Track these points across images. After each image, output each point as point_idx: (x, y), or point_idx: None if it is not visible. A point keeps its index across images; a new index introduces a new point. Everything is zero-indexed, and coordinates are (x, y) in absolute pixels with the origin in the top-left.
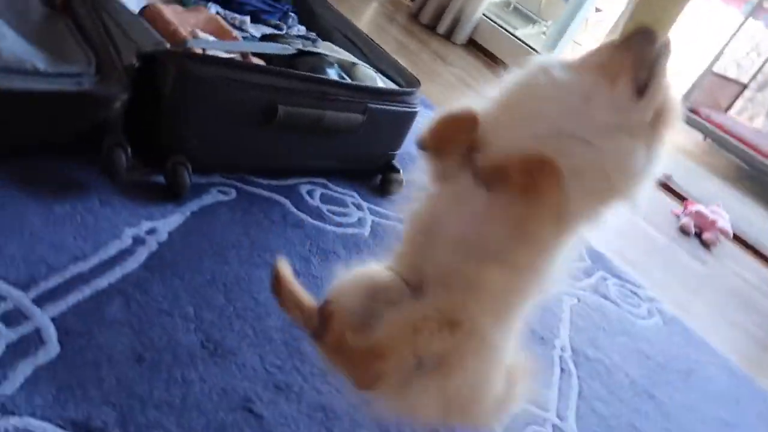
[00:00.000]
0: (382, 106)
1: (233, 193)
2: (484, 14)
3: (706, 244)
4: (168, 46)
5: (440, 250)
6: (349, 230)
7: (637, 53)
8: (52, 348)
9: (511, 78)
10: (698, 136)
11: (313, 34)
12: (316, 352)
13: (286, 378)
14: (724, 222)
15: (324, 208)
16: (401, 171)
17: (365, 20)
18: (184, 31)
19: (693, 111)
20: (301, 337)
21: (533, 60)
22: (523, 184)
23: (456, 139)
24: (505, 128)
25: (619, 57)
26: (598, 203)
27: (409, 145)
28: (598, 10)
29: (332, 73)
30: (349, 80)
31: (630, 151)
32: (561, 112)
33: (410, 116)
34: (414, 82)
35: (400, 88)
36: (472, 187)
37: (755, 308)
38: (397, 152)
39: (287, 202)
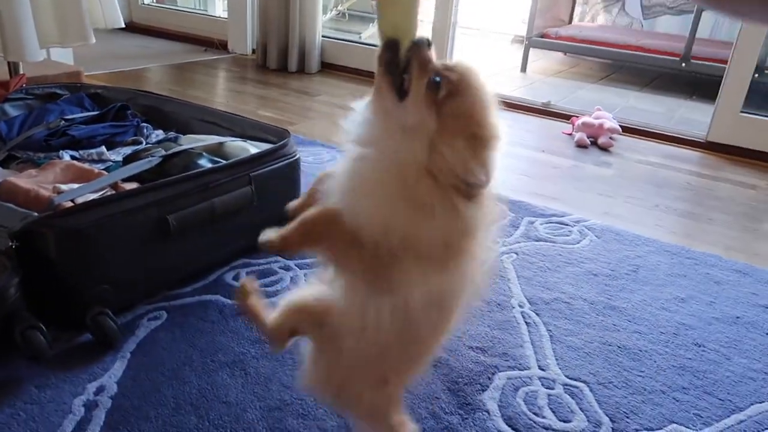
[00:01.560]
0: (264, 170)
1: (164, 315)
2: (323, 36)
3: (604, 148)
4: (35, 214)
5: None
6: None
7: (384, 64)
8: None
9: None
10: (558, 55)
11: (172, 132)
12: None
13: None
14: (610, 122)
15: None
16: None
17: (219, 91)
18: (46, 192)
19: (543, 35)
20: (283, 416)
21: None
22: (301, 244)
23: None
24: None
25: (378, 72)
26: (414, 209)
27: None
28: None
29: (204, 163)
30: (222, 161)
31: (406, 146)
32: (359, 141)
33: (294, 164)
34: (282, 134)
35: (274, 146)
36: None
37: (668, 184)
38: None
39: (219, 297)
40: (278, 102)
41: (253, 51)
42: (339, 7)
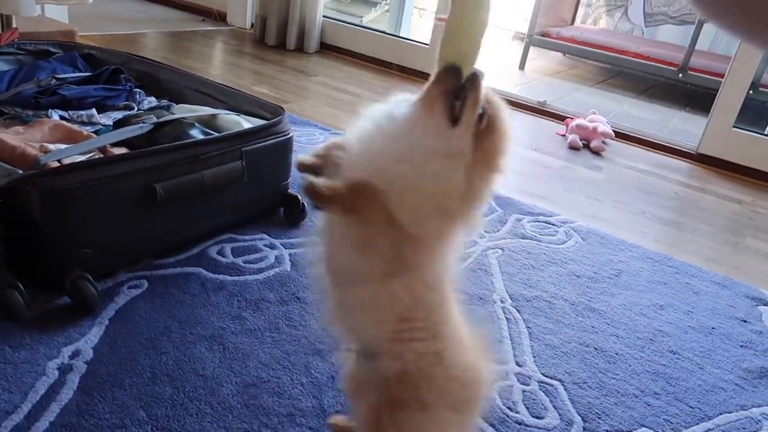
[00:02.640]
0: (256, 145)
1: (145, 284)
2: (324, 16)
3: (596, 152)
4: (20, 171)
5: (327, 283)
6: (271, 272)
7: (445, 86)
8: None
9: (367, 114)
10: (557, 55)
11: (165, 101)
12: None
13: None
14: (604, 126)
15: (239, 261)
16: (300, 197)
17: (215, 63)
18: (32, 150)
19: (544, 34)
20: (258, 393)
21: (391, 98)
22: (344, 205)
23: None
24: (354, 159)
25: (432, 90)
26: (440, 217)
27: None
28: None
29: (196, 133)
30: (214, 134)
31: (447, 171)
32: (395, 140)
33: (287, 143)
34: (277, 110)
35: (268, 122)
36: (331, 220)
37: (655, 192)
38: (290, 180)
39: (201, 270)
40: (274, 79)
41: (252, 25)
42: None
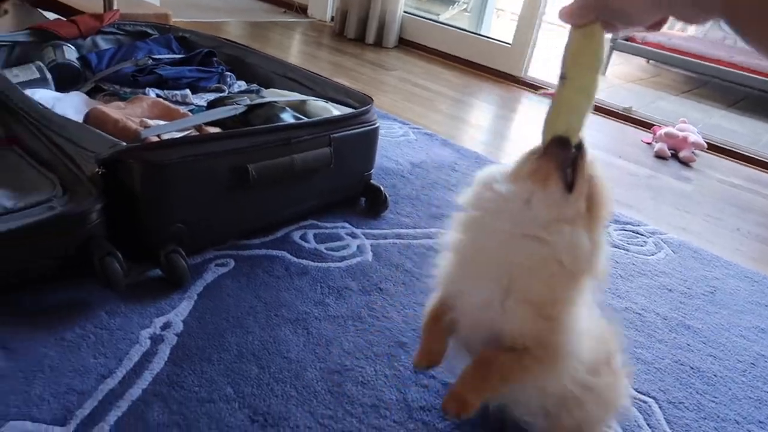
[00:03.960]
0: (344, 133)
1: (231, 263)
2: (405, 11)
3: (685, 162)
4: (124, 144)
5: None
6: (353, 261)
7: (557, 158)
8: None
9: (464, 204)
10: (641, 61)
11: (255, 85)
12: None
13: (342, 426)
14: (695, 136)
15: (322, 247)
16: (382, 187)
17: (294, 53)
18: (133, 124)
19: (629, 39)
20: (342, 381)
21: (477, 178)
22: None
23: (441, 346)
24: (464, 272)
25: (545, 164)
26: (568, 284)
27: (381, 159)
28: None
29: (287, 117)
30: (305, 118)
31: (574, 236)
32: (509, 218)
33: (373, 133)
34: (366, 100)
35: (357, 110)
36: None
37: (750, 208)
38: (372, 170)
39: (285, 254)
40: (352, 71)
41: (332, 18)
42: None
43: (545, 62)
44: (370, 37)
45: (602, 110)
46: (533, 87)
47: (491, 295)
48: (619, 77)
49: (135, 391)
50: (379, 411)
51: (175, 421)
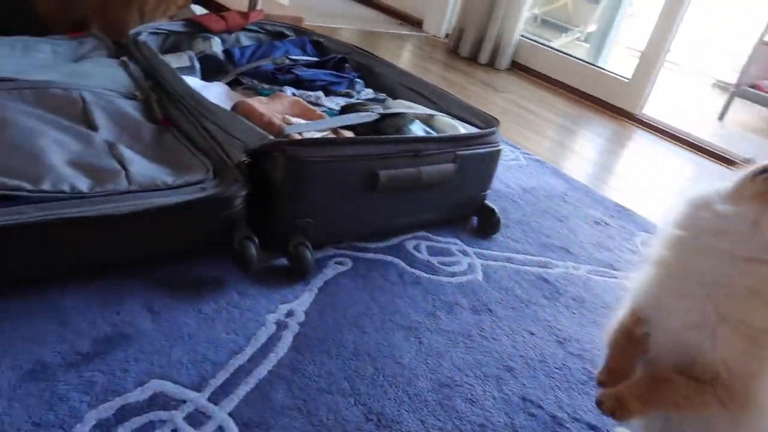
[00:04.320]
0: (470, 151)
1: (349, 263)
2: (521, 35)
3: None
4: (272, 137)
5: None
6: (464, 278)
7: None
8: None
9: (667, 226)
10: (761, 110)
11: (382, 94)
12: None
13: None
14: None
15: (434, 260)
16: (496, 210)
17: (405, 64)
18: (276, 120)
19: (755, 86)
20: (451, 395)
21: (686, 198)
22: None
23: (629, 365)
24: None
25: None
26: None
27: (496, 182)
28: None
29: (416, 129)
30: (433, 132)
31: None
32: (732, 240)
33: (496, 155)
34: (492, 122)
35: (484, 130)
36: None
37: None
38: (489, 191)
39: (399, 262)
40: (463, 89)
41: (447, 35)
42: (534, 10)
43: (663, 101)
44: (484, 57)
45: (719, 157)
46: (648, 126)
47: (701, 317)
48: (738, 125)
49: (261, 371)
50: (486, 431)
51: (297, 405)
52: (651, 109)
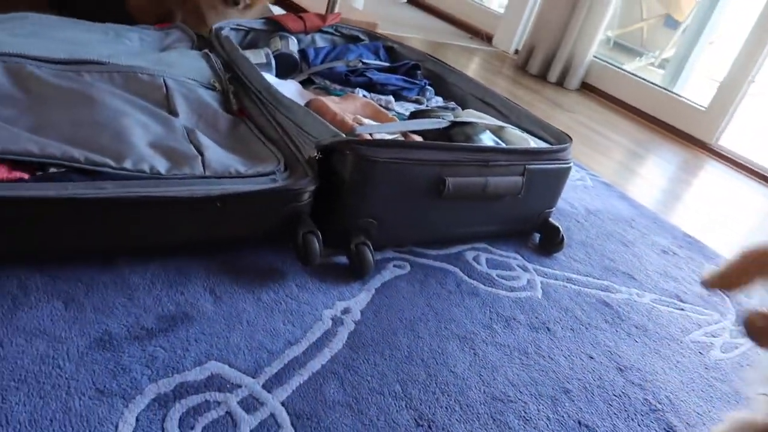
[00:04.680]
0: (539, 166)
1: (407, 267)
2: (594, 56)
3: None
4: (344, 135)
5: None
6: (522, 294)
7: None
8: None
9: None
10: None
11: (452, 103)
12: None
13: None
14: None
15: (493, 273)
16: (560, 228)
17: (472, 76)
18: (348, 119)
19: None
20: (504, 410)
21: None
22: None
23: (746, 278)
24: None
25: None
26: None
27: (560, 201)
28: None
29: (486, 139)
30: (503, 144)
31: None
32: None
33: (565, 172)
34: (564, 138)
35: (556, 146)
36: None
37: None
38: (554, 209)
39: (457, 271)
40: (530, 106)
41: (516, 51)
42: (608, 33)
43: (742, 132)
44: (553, 75)
45: None
46: (723, 157)
47: None
48: None
49: (315, 365)
50: None
51: (348, 403)
52: (728, 140)
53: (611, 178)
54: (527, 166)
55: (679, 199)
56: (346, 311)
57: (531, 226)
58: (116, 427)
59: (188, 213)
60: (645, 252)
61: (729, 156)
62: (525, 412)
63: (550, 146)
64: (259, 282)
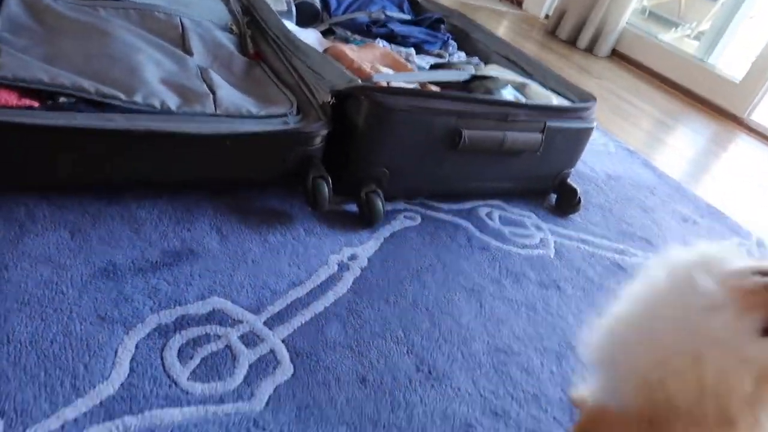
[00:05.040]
0: (560, 124)
1: (419, 219)
2: (627, 23)
3: None
4: (359, 81)
5: None
6: (534, 252)
7: None
8: (287, 368)
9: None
10: None
11: (475, 58)
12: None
13: (502, 404)
14: None
15: (506, 230)
16: (578, 189)
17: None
18: (366, 67)
19: None
20: (507, 362)
21: (692, 259)
22: None
23: None
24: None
25: (762, 298)
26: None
27: (580, 164)
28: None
29: (507, 94)
30: (524, 99)
31: (735, 375)
32: (685, 316)
33: (587, 132)
34: (588, 97)
35: (579, 104)
36: None
37: None
38: (572, 170)
39: (469, 226)
40: (557, 71)
41: (547, 16)
42: (644, 2)
43: None
44: (583, 42)
45: None
46: (755, 131)
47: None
48: None
49: (318, 306)
50: (539, 403)
51: (349, 344)
52: (761, 115)
53: (636, 146)
54: (548, 123)
55: (706, 171)
56: (352, 257)
57: (548, 186)
58: (116, 352)
59: (196, 150)
60: (665, 219)
61: (760, 131)
62: (528, 365)
63: (574, 104)
64: (266, 224)
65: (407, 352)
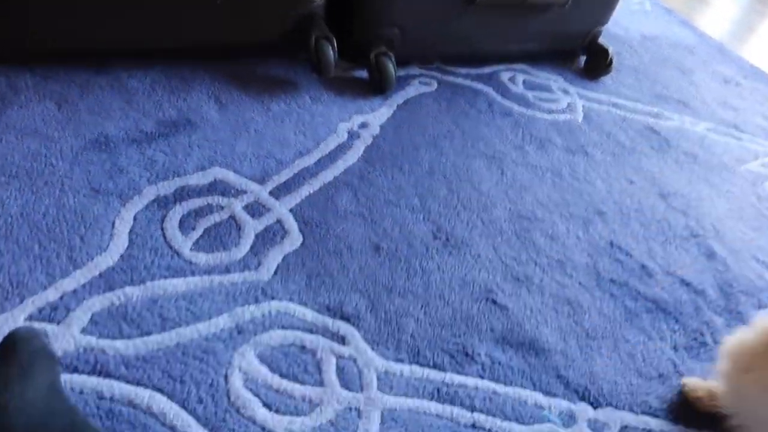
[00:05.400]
0: None
1: (435, 84)
2: None
3: None
4: None
5: None
6: (561, 117)
7: None
8: (295, 237)
9: None
10: None
11: None
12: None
13: (525, 270)
14: None
15: (529, 94)
16: (609, 49)
17: None
18: None
19: None
20: (530, 228)
21: None
22: None
23: None
24: None
25: None
26: None
27: (609, 24)
28: None
29: None
30: None
31: None
32: None
33: None
34: None
35: None
36: None
37: None
38: (604, 27)
39: (490, 90)
40: None
41: None
42: None
43: None
44: None
45: None
46: None
47: None
48: None
49: (327, 175)
50: (564, 269)
51: (361, 213)
52: None
53: (675, 5)
54: None
55: (752, 31)
56: (363, 125)
57: (576, 46)
58: (113, 224)
59: (187, 12)
60: (704, 80)
61: None
62: (553, 231)
63: None
64: (268, 92)
65: (423, 219)
